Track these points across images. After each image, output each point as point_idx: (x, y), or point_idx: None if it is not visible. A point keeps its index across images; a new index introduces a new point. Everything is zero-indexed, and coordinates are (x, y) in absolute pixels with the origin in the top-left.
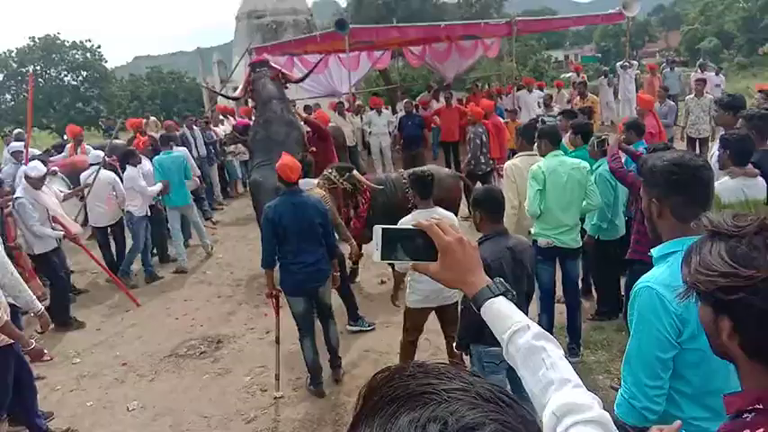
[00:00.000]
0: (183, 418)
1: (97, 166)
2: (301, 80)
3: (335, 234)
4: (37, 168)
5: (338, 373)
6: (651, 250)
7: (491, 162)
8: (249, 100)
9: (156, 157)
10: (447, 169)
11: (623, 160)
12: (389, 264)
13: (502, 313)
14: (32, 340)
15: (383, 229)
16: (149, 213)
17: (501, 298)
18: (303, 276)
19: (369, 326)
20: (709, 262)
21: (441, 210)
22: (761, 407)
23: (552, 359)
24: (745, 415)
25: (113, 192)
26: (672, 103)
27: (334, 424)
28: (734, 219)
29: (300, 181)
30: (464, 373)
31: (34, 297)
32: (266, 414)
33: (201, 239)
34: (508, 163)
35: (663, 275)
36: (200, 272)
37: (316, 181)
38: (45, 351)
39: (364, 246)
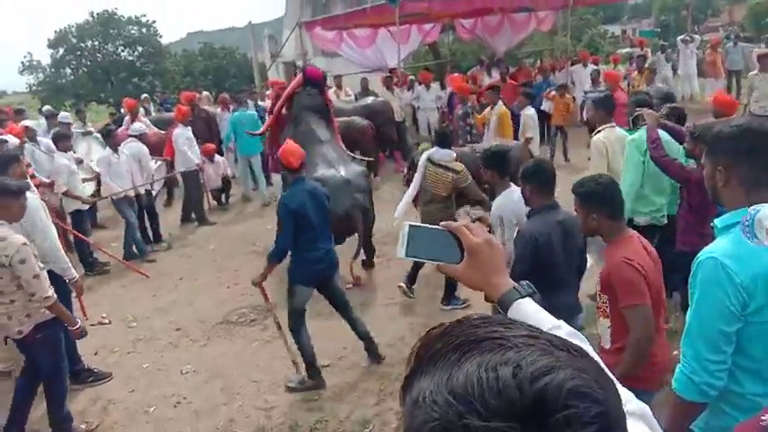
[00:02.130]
0: (234, 381)
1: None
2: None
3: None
4: None
5: (376, 357)
6: (715, 220)
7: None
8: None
9: (233, 114)
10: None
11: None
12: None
13: (530, 315)
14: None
15: (410, 225)
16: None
17: (528, 299)
18: (324, 264)
19: (462, 303)
20: None
21: (516, 192)
22: None
23: None
24: None
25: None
26: (660, 85)
27: (378, 393)
28: None
29: (441, 151)
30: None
31: (69, 264)
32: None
33: (260, 188)
34: (598, 137)
35: (727, 246)
36: (250, 242)
37: (454, 154)
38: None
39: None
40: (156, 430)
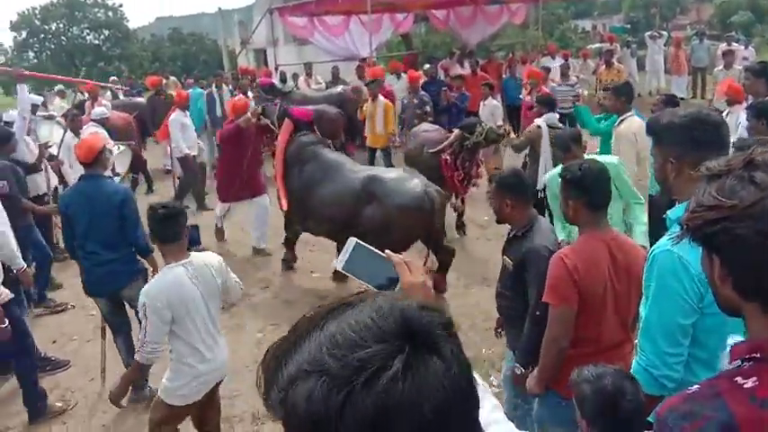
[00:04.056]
0: None
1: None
2: None
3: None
4: None
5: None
6: (667, 212)
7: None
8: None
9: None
10: None
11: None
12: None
13: None
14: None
15: (357, 243)
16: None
17: None
18: (95, 277)
19: None
20: (700, 200)
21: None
22: (758, 356)
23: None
24: (744, 363)
25: None
26: (559, 88)
27: None
28: (727, 160)
29: (553, 115)
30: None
31: (18, 253)
32: None
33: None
34: (624, 126)
35: None
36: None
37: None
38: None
39: None
40: (115, 419)
